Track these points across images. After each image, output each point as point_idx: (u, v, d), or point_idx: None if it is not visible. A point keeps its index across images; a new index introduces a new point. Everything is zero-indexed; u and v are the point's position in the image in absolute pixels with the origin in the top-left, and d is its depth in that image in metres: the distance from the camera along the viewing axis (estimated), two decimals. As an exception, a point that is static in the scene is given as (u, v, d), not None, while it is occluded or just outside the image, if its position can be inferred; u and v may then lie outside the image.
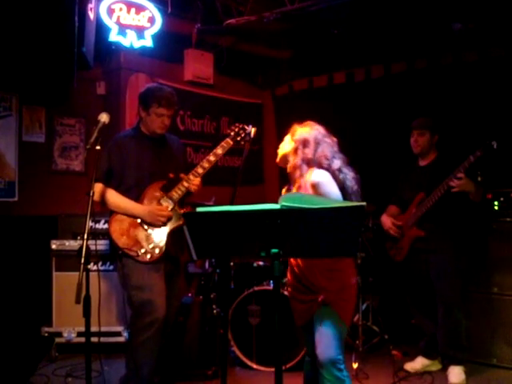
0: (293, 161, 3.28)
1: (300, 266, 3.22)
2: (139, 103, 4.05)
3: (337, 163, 3.23)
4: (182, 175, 3.99)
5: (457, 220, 4.76)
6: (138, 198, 3.93)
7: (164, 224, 3.89)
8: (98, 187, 3.81)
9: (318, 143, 3.25)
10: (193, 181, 3.99)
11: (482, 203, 4.82)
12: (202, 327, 4.83)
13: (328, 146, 3.27)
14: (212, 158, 4.06)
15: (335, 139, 3.35)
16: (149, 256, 3.84)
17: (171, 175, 4.01)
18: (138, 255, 3.82)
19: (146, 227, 3.88)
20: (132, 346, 3.90)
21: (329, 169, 3.21)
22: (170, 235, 3.92)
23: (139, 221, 3.88)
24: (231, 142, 4.13)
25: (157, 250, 3.86)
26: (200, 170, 4.01)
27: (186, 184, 3.97)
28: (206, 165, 4.03)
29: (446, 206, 4.63)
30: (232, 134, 4.17)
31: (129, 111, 6.16)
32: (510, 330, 4.90)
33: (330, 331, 3.11)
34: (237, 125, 4.21)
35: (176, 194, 3.97)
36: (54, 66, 4.30)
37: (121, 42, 5.76)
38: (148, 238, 3.88)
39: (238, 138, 4.17)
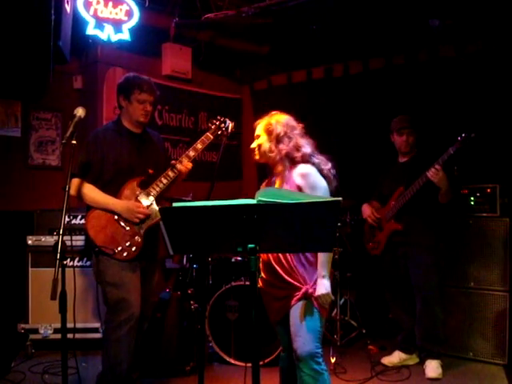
0: (274, 156, 3.31)
1: (281, 262, 3.20)
2: (119, 93, 3.99)
3: (317, 158, 3.31)
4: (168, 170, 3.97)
5: (434, 213, 4.79)
6: (115, 194, 3.87)
7: (141, 221, 3.86)
8: (74, 182, 3.76)
9: (290, 137, 3.29)
10: (182, 163, 3.96)
11: (456, 199, 4.87)
12: (180, 323, 4.82)
13: (300, 137, 3.33)
14: (192, 153, 4.02)
15: (301, 125, 3.42)
16: (125, 254, 3.80)
17: (150, 171, 3.95)
18: (114, 253, 3.78)
19: (122, 224, 3.84)
20: (107, 343, 3.87)
21: (314, 163, 3.28)
22: (147, 232, 3.89)
23: (116, 217, 3.83)
24: (211, 137, 4.08)
25: (133, 248, 3.82)
26: (178, 166, 3.97)
27: (170, 173, 3.92)
28: (186, 160, 4.00)
29: (424, 199, 4.67)
30: (213, 127, 4.11)
31: (106, 105, 6.10)
32: (485, 324, 4.96)
33: (309, 325, 3.12)
34: (218, 118, 4.15)
35: (154, 190, 3.92)
36: (30, 59, 4.24)
37: (98, 36, 5.69)
38: (125, 235, 3.83)
39: (219, 132, 4.11)
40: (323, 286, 3.12)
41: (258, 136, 3.38)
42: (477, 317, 5.01)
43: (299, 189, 3.18)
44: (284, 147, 3.26)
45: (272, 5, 5.63)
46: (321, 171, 3.25)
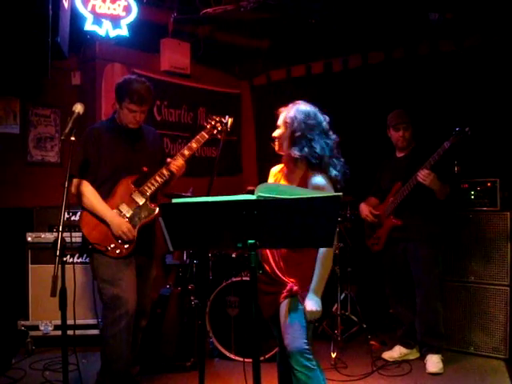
0: (285, 155, 3.22)
1: (267, 258, 3.19)
2: (115, 94, 3.97)
3: (334, 170, 3.17)
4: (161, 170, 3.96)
5: (433, 208, 4.79)
6: (110, 192, 3.88)
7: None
8: (74, 182, 3.77)
9: (307, 139, 3.11)
10: (175, 162, 3.95)
11: (456, 193, 4.87)
12: (181, 319, 4.82)
13: (321, 137, 3.14)
14: (186, 151, 4.02)
15: (327, 118, 3.25)
16: (118, 251, 3.81)
17: (145, 169, 3.95)
18: (107, 250, 3.79)
19: None
20: (104, 339, 3.88)
21: (327, 174, 3.15)
22: (141, 229, 3.89)
23: None
24: (206, 136, 4.06)
25: (126, 245, 3.83)
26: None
27: (165, 172, 3.92)
28: (180, 158, 4.00)
29: (422, 194, 4.67)
30: (208, 126, 4.09)
31: (104, 101, 6.08)
32: (486, 319, 4.96)
33: (296, 322, 3.08)
34: (214, 117, 4.12)
35: (148, 188, 3.92)
36: (28, 56, 4.22)
37: (96, 32, 5.65)
38: None
39: (215, 132, 4.09)
40: (315, 303, 3.05)
41: (279, 127, 3.23)
42: (477, 311, 5.01)
43: None
44: (297, 153, 3.10)
45: (271, -1, 5.61)
46: (334, 183, 3.14)
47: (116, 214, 3.84)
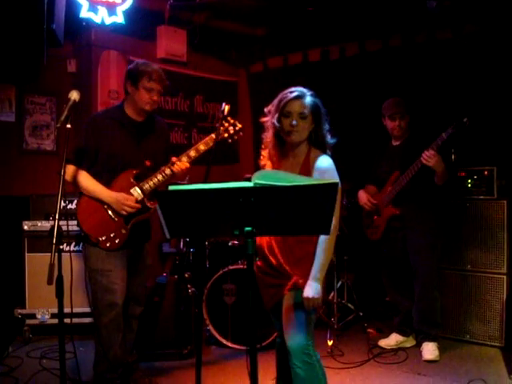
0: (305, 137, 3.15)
1: (274, 250, 3.13)
2: (127, 78, 3.90)
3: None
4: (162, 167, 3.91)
5: (432, 197, 4.79)
6: (109, 184, 3.83)
7: (129, 214, 3.82)
8: (69, 168, 3.72)
9: (324, 118, 3.17)
10: (180, 164, 3.90)
11: (453, 182, 4.87)
12: (177, 307, 4.82)
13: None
14: (192, 153, 3.96)
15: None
16: (108, 244, 3.79)
17: (148, 163, 3.90)
18: (98, 242, 3.77)
19: (111, 214, 3.81)
20: (96, 328, 3.88)
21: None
22: (133, 226, 3.87)
23: (105, 206, 3.80)
24: (216, 139, 3.92)
25: (117, 240, 3.81)
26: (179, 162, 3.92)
27: (167, 171, 3.87)
28: (185, 159, 3.95)
29: (421, 183, 4.67)
30: (221, 128, 3.98)
31: (100, 89, 6.05)
32: (482, 307, 4.98)
33: (297, 316, 3.01)
34: (228, 120, 4.02)
35: (148, 185, 3.87)
36: (23, 43, 4.21)
37: (92, 19, 5.63)
38: (111, 225, 3.81)
39: (226, 135, 4.02)
40: (313, 290, 2.96)
41: (302, 114, 3.09)
42: (474, 299, 5.03)
43: None
44: (324, 132, 3.15)
45: (268, -14, 5.58)
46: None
47: (108, 190, 3.80)
